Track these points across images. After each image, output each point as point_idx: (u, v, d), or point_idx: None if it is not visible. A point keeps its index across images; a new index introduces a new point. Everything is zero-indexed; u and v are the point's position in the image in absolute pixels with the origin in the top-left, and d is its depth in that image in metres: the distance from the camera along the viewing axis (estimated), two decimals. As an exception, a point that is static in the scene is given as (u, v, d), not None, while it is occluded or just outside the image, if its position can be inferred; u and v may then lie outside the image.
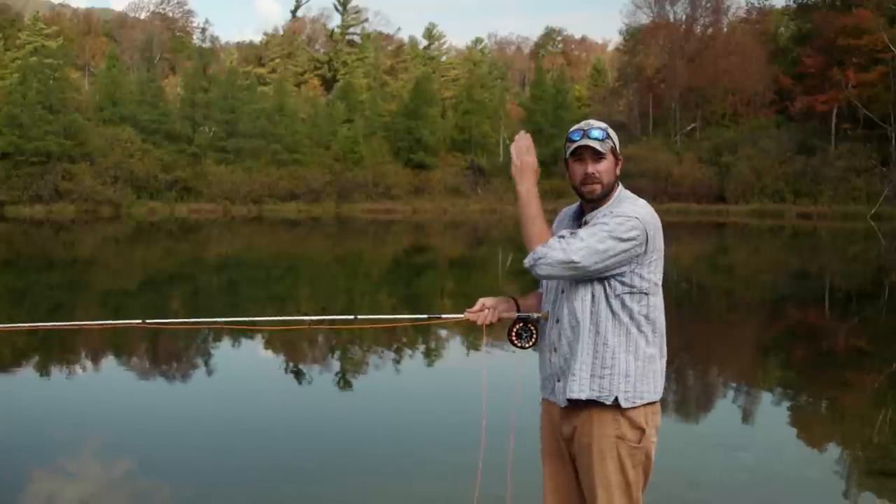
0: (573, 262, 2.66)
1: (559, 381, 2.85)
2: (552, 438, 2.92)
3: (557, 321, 2.85)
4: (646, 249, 2.73)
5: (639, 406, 2.74)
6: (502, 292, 3.12)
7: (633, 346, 2.75)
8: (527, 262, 2.75)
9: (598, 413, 2.75)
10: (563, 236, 2.72)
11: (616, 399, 2.71)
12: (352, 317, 3.27)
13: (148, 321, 3.33)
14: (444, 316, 3.14)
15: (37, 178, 47.80)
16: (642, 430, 2.74)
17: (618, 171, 2.85)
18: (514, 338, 2.93)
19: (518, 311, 2.97)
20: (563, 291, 2.85)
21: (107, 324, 3.44)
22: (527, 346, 2.93)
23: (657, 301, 2.81)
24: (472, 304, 2.97)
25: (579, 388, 2.76)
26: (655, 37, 66.29)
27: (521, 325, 2.93)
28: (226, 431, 6.47)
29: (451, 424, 6.62)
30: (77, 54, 74.21)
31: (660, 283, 2.84)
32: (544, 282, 2.98)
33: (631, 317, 2.75)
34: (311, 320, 3.26)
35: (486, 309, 2.93)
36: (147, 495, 5.08)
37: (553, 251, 2.68)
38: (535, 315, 2.94)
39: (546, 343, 2.92)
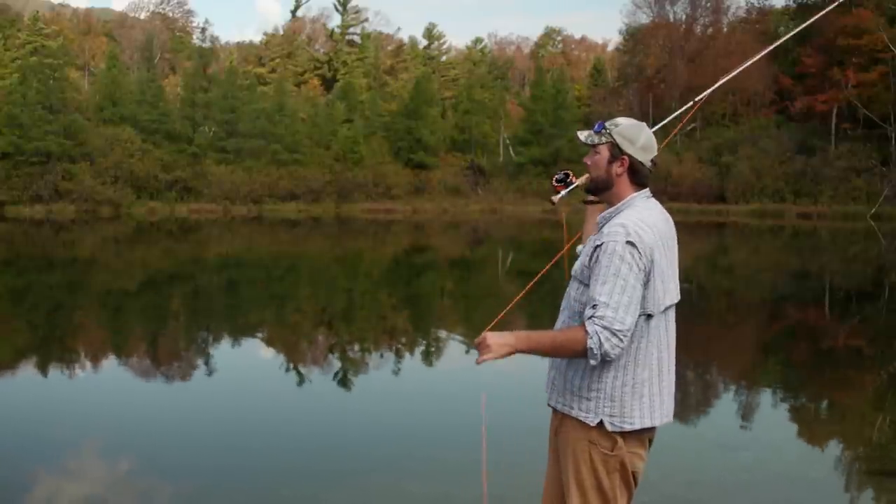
0: (621, 332, 2.53)
1: (550, 371, 2.87)
2: (551, 436, 2.94)
3: (562, 310, 2.84)
4: (652, 268, 2.61)
5: (626, 430, 2.66)
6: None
7: (622, 371, 2.65)
8: (594, 362, 2.58)
9: (571, 417, 2.74)
10: (591, 316, 2.55)
11: (601, 422, 2.66)
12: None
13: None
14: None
15: (37, 178, 47.72)
16: (614, 440, 2.67)
17: (618, 170, 2.75)
18: (555, 183, 3.14)
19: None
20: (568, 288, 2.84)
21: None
22: (561, 191, 3.10)
23: (659, 322, 2.68)
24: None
25: (557, 399, 2.79)
26: (655, 37, 66.21)
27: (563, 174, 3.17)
28: (226, 431, 6.48)
29: (451, 424, 6.63)
30: (77, 54, 74.04)
31: (670, 301, 2.70)
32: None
33: (629, 339, 2.60)
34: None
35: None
36: (147, 494, 5.09)
37: (602, 336, 2.51)
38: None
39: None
